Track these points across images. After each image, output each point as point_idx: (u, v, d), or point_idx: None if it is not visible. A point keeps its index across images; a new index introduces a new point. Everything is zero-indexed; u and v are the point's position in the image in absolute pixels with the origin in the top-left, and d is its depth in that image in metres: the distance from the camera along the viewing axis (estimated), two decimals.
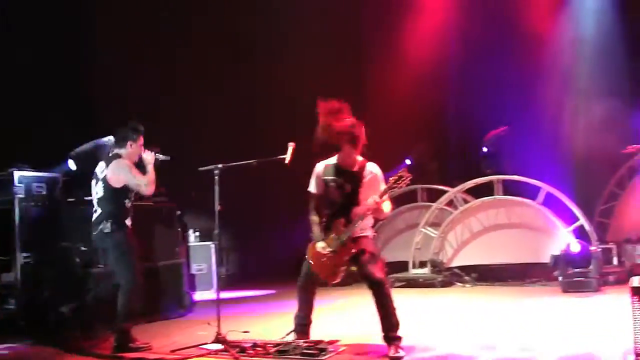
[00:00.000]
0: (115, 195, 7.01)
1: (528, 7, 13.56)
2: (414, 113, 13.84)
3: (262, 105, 14.25)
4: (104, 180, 7.02)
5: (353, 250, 6.22)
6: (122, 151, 7.14)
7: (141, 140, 7.20)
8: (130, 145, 7.13)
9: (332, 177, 6.39)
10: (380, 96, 13.77)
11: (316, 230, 6.39)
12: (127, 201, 7.09)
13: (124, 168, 7.02)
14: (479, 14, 13.87)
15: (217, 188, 6.91)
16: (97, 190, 7.11)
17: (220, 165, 6.95)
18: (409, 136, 13.80)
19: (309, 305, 6.54)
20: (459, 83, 14.46)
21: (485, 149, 12.68)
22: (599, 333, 6.80)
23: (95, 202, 7.13)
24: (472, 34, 13.90)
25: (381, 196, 6.13)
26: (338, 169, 6.41)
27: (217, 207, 6.91)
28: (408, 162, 13.18)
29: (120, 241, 7.00)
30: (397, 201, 13.36)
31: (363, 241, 6.33)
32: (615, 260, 11.37)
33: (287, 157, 6.76)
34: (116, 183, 7.00)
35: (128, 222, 7.11)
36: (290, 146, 6.76)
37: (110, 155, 7.19)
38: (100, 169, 7.13)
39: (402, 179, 6.08)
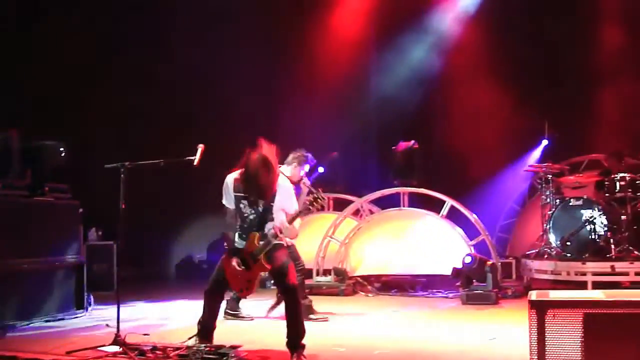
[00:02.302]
0: None
1: None
2: (326, 122, 13.91)
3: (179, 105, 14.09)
4: None
5: (267, 267, 6.16)
6: None
7: None
8: None
9: (243, 195, 6.25)
10: (296, 99, 13.81)
11: (230, 243, 6.32)
12: None
13: None
14: None
15: (122, 186, 6.76)
16: None
17: (126, 164, 6.79)
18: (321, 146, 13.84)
19: (214, 312, 6.45)
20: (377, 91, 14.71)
21: (394, 161, 12.82)
22: (496, 345, 6.95)
23: None
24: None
25: (295, 216, 6.12)
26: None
27: (122, 206, 6.76)
28: (321, 169, 13.22)
29: None
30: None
31: (277, 252, 6.25)
32: (514, 275, 11.68)
33: (196, 158, 6.66)
34: None
35: None
36: (200, 147, 6.67)
37: None
38: None
39: (318, 201, 6.07)
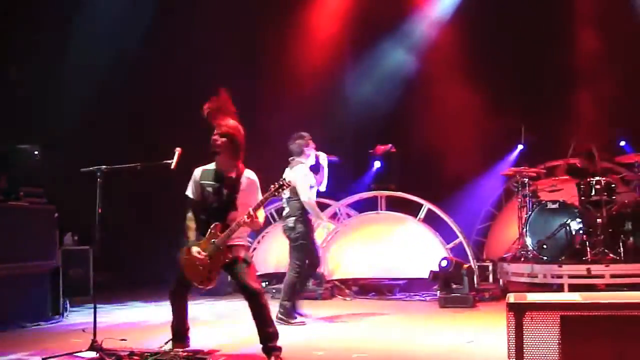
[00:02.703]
0: None
1: None
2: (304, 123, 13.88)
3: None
4: None
5: (229, 256, 6.17)
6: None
7: None
8: None
9: (209, 182, 6.36)
10: (270, 101, 13.79)
11: (192, 235, 6.32)
12: None
13: None
14: None
15: (99, 190, 6.71)
16: None
17: (102, 167, 6.74)
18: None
19: (183, 312, 6.47)
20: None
21: (373, 164, 12.86)
22: (474, 347, 6.98)
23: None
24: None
25: (262, 202, 6.14)
26: (216, 174, 6.39)
27: (98, 210, 6.71)
28: None
29: None
30: (281, 212, 13.37)
31: (238, 249, 6.29)
32: (490, 278, 11.74)
33: (173, 162, 6.63)
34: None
35: None
36: (177, 151, 6.64)
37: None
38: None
39: (283, 187, 6.13)
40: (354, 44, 15.00)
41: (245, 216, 6.05)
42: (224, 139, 6.29)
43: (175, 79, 13.55)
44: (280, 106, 13.78)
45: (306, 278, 9.56)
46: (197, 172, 6.48)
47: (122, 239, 12.93)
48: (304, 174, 8.83)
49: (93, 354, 6.37)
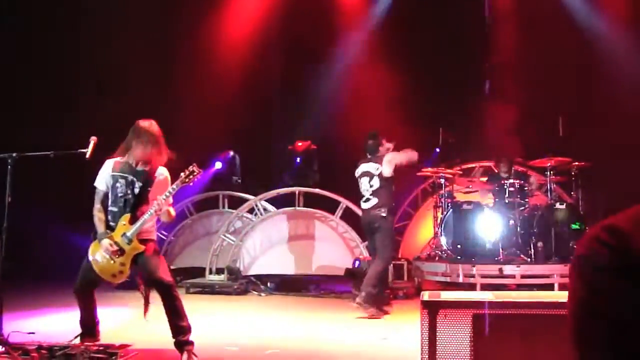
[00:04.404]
0: None
1: None
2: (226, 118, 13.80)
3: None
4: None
5: (141, 247, 6.07)
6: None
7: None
8: None
9: (121, 174, 6.23)
10: (193, 95, 13.64)
11: (101, 227, 6.18)
12: None
13: None
14: None
15: (9, 178, 6.50)
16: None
17: (14, 155, 6.53)
18: (217, 144, 13.72)
19: (90, 307, 6.34)
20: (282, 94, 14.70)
21: (292, 160, 12.84)
22: (388, 344, 7.04)
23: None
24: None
25: (174, 190, 6.09)
26: (129, 167, 6.27)
27: (8, 199, 6.50)
28: (219, 165, 13.18)
29: None
30: (198, 206, 13.26)
31: (148, 242, 6.20)
32: (405, 276, 11.85)
33: (88, 151, 6.47)
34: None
35: None
36: (92, 140, 6.48)
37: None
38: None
39: (194, 173, 6.11)
40: (280, 40, 14.98)
41: (156, 204, 5.97)
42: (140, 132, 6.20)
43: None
44: (201, 102, 13.67)
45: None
46: (109, 164, 6.34)
47: (34, 228, 12.59)
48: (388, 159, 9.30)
49: None
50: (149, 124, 6.23)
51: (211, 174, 13.16)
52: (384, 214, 9.13)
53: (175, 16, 14.22)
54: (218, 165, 13.25)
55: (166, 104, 13.16)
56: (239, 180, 13.28)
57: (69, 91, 13.54)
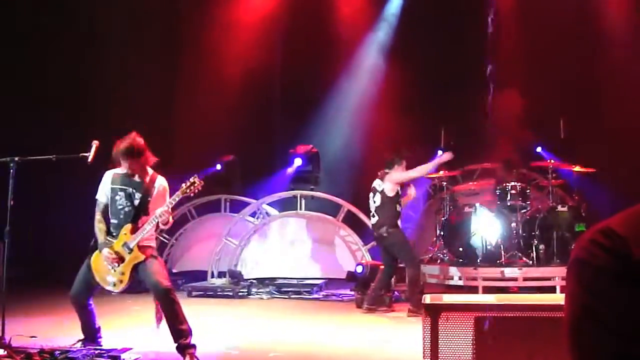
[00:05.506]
0: None
1: None
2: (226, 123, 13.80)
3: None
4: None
5: (142, 257, 6.10)
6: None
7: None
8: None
9: (121, 187, 6.28)
10: (192, 105, 13.64)
11: (101, 237, 6.24)
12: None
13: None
14: None
15: (12, 182, 6.51)
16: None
17: (16, 158, 6.55)
18: (218, 147, 13.71)
19: (89, 315, 6.38)
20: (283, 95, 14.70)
21: (293, 164, 12.85)
22: (390, 347, 7.04)
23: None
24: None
25: (175, 201, 6.13)
26: (128, 178, 6.31)
27: (10, 203, 6.51)
28: (218, 167, 13.15)
29: None
30: (199, 210, 13.24)
31: (147, 249, 6.24)
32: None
33: (90, 155, 6.48)
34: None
35: None
36: (94, 144, 6.50)
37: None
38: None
39: (195, 184, 6.13)
40: (284, 42, 14.99)
41: (158, 215, 6.00)
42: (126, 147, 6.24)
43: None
44: (204, 103, 13.68)
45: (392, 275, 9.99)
46: (108, 176, 6.40)
47: (39, 233, 12.61)
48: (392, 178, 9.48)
49: (0, 352, 6.17)
50: (128, 139, 6.24)
51: (210, 175, 13.14)
52: (385, 234, 9.38)
53: (178, 22, 14.23)
54: (218, 167, 13.23)
55: (168, 111, 13.23)
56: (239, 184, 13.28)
57: (75, 95, 13.52)
